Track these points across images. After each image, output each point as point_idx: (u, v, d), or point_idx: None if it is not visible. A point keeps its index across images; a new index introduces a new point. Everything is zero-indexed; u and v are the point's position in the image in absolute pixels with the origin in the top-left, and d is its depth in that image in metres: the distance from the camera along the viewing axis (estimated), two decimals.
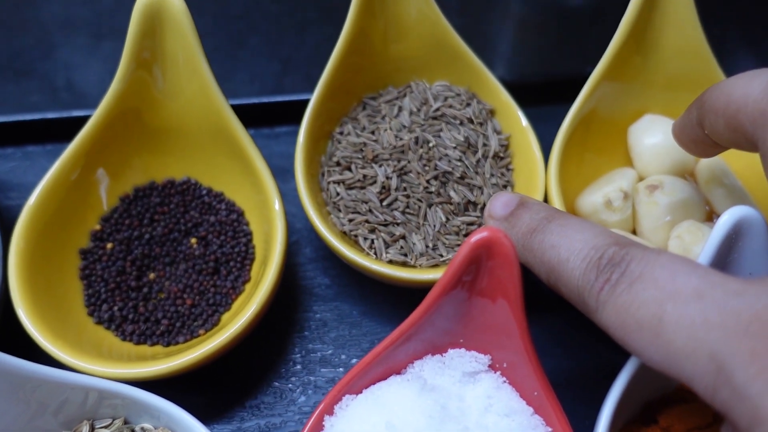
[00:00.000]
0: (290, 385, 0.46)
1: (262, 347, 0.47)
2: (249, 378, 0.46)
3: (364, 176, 0.47)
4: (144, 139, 0.48)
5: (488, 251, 0.34)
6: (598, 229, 0.32)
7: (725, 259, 0.36)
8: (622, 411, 0.40)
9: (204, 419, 0.44)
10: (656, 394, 0.42)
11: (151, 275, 0.46)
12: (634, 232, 0.47)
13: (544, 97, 0.54)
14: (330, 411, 0.38)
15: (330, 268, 0.50)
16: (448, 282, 0.35)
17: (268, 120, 0.58)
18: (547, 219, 0.34)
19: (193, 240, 0.47)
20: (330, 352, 0.47)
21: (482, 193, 0.47)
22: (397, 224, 0.46)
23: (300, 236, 0.52)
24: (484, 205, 0.47)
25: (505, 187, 0.48)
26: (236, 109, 0.56)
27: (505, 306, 0.36)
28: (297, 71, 0.61)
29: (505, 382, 0.39)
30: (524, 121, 0.49)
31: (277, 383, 0.46)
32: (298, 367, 0.47)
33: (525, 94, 0.51)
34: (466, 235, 0.46)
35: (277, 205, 0.44)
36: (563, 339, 0.48)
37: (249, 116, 0.56)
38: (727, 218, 0.35)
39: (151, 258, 0.47)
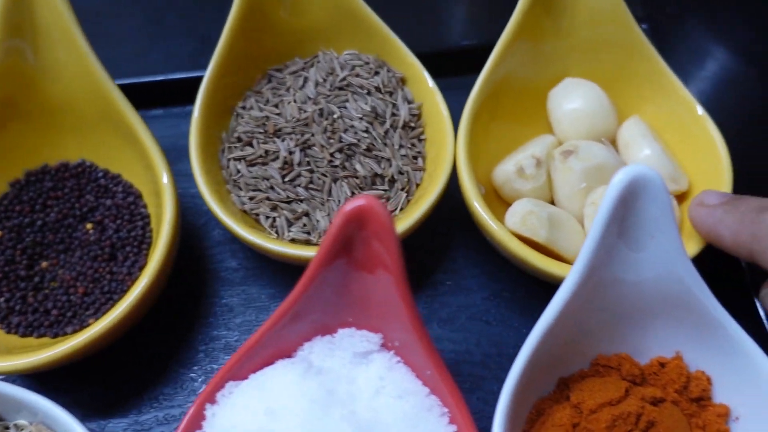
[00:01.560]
0: (192, 374, 0.44)
1: (163, 335, 0.45)
2: (148, 368, 0.44)
3: (266, 152, 0.45)
4: (29, 121, 0.45)
5: (364, 221, 0.32)
6: None
7: (625, 221, 0.34)
8: (530, 388, 0.38)
9: (98, 413, 0.42)
10: (572, 371, 0.40)
11: (44, 264, 0.44)
12: (552, 201, 0.45)
13: (459, 66, 0.51)
14: (212, 399, 0.35)
15: (238, 251, 0.48)
16: (325, 254, 0.33)
17: (182, 98, 0.55)
18: None
19: (89, 225, 0.45)
20: (235, 338, 0.45)
21: (390, 165, 0.45)
22: (300, 201, 0.44)
23: (208, 218, 0.49)
24: (392, 177, 0.44)
25: (415, 158, 0.46)
26: (145, 87, 0.54)
27: (389, 281, 0.34)
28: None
29: (399, 362, 0.37)
30: (436, 90, 0.46)
31: (177, 372, 0.43)
32: (201, 355, 0.44)
33: (438, 64, 0.48)
34: None
35: (165, 179, 0.42)
36: (461, 320, 0.46)
37: (161, 94, 0.54)
38: (621, 178, 0.33)
39: (44, 246, 0.44)
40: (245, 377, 0.36)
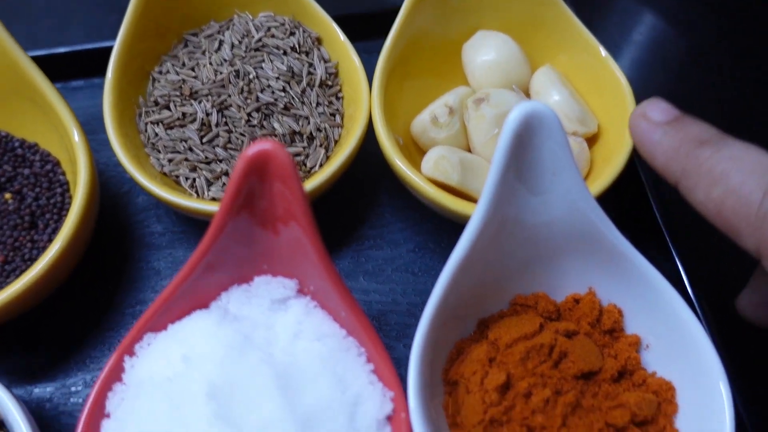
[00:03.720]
0: (119, 336, 0.44)
1: (90, 300, 0.45)
2: (75, 332, 0.44)
3: (183, 114, 0.45)
4: None
5: (266, 166, 0.32)
6: None
7: (524, 158, 0.35)
8: (451, 330, 0.39)
9: (24, 379, 0.42)
10: (491, 312, 0.41)
11: None
12: (468, 149, 0.46)
13: (376, 28, 0.51)
14: (131, 351, 0.36)
15: (163, 216, 0.48)
16: (230, 200, 0.33)
17: (102, 69, 0.54)
18: (719, 136, 0.34)
19: (8, 195, 0.45)
20: None
21: (308, 123, 0.45)
22: (219, 161, 0.44)
23: (131, 186, 0.49)
24: (311, 134, 0.45)
25: (333, 116, 0.46)
26: (64, 58, 0.53)
27: (298, 227, 0.34)
28: None
29: (315, 306, 0.37)
30: (351, 48, 0.47)
31: (105, 335, 0.44)
32: (128, 317, 0.44)
33: (354, 27, 0.49)
34: None
35: (76, 137, 0.42)
36: (387, 272, 0.47)
37: (81, 65, 0.53)
38: (515, 115, 0.33)
39: None
40: (164, 328, 0.36)
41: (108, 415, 0.35)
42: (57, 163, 0.46)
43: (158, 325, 0.36)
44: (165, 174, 0.44)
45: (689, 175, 0.34)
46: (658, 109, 0.37)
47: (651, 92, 0.47)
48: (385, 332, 0.45)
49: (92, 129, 0.48)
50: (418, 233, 0.48)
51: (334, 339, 0.36)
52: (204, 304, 0.37)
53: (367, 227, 0.48)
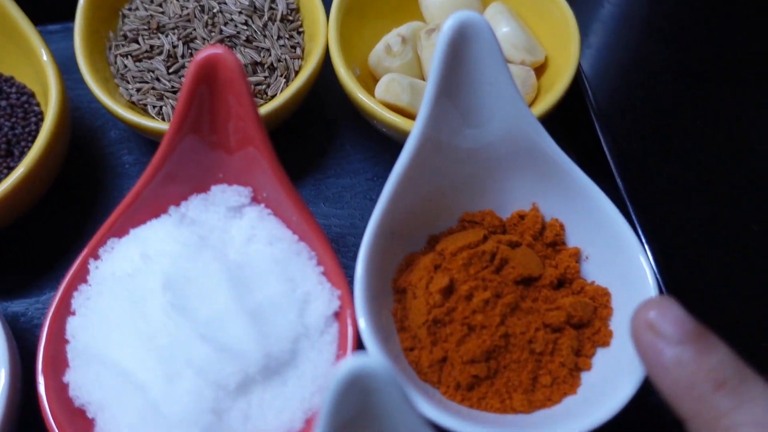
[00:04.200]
0: None
1: (63, 224, 0.47)
2: (49, 252, 0.46)
3: (151, 47, 0.47)
4: None
5: (215, 71, 0.35)
6: None
7: (460, 68, 0.37)
8: (400, 245, 0.42)
9: None
10: (440, 229, 0.44)
11: None
12: (423, 78, 0.48)
13: None
14: (95, 255, 0.38)
15: (134, 148, 0.51)
16: (183, 107, 0.36)
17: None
18: (742, 377, 0.28)
19: None
20: None
21: (270, 54, 0.48)
22: None
23: (104, 120, 0.52)
24: (272, 65, 0.47)
25: (293, 48, 0.49)
26: (39, 1, 0.55)
27: (249, 135, 0.37)
28: None
29: (269, 213, 0.40)
30: None
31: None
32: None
33: None
34: (255, 95, 0.47)
35: (45, 57, 0.44)
36: (346, 198, 0.50)
37: (60, 9, 0.55)
38: (450, 23, 0.36)
39: None
40: (126, 233, 0.39)
41: (74, 312, 0.37)
42: (32, 95, 0.48)
43: (121, 231, 0.39)
44: (133, 103, 0.47)
45: (703, 425, 0.28)
46: (670, 319, 0.30)
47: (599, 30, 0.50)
48: (343, 253, 0.47)
49: (67, 69, 0.50)
50: (376, 164, 0.51)
51: (286, 243, 0.39)
52: (165, 212, 0.40)
53: (329, 158, 0.51)
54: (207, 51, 0.34)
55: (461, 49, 0.36)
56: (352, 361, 0.25)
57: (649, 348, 0.30)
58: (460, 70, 0.37)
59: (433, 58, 0.36)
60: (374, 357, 0.26)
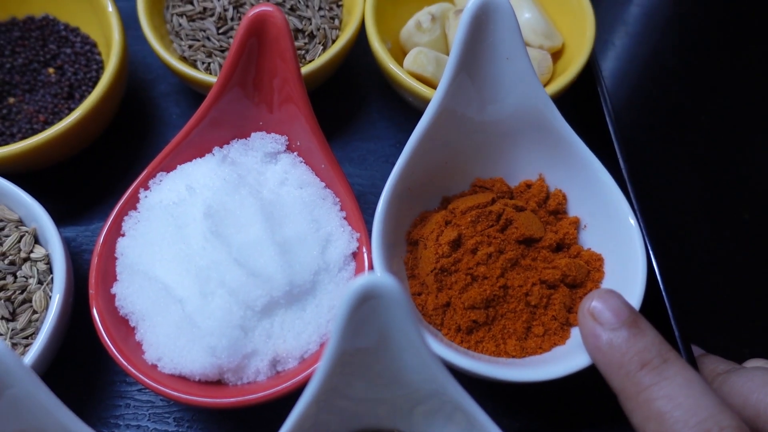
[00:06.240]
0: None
1: (114, 162, 0.52)
2: (101, 186, 0.51)
3: (204, 9, 0.52)
4: None
5: (264, 26, 0.39)
6: (714, 398, 0.32)
7: (480, 43, 0.41)
8: (416, 203, 0.46)
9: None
10: (454, 192, 0.48)
11: (11, 100, 0.51)
12: (447, 54, 0.52)
13: None
14: (145, 186, 0.43)
15: (181, 100, 0.56)
16: (233, 59, 0.40)
17: None
18: (663, 358, 0.33)
19: (51, 70, 0.52)
20: None
21: (311, 23, 0.52)
22: None
23: (157, 74, 0.57)
24: (311, 33, 0.52)
25: (332, 19, 0.53)
26: None
27: (289, 88, 0.41)
28: None
29: (302, 161, 0.44)
30: None
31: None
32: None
33: None
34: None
35: (110, 8, 0.49)
36: (369, 161, 0.54)
37: None
38: (474, 2, 0.40)
39: (12, 86, 0.52)
40: (174, 169, 0.44)
41: (123, 234, 0.42)
42: (95, 45, 0.53)
43: (170, 166, 0.44)
44: (185, 58, 0.51)
45: (627, 397, 0.33)
46: (608, 309, 0.35)
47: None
48: (363, 210, 0.52)
49: (128, 26, 0.55)
50: (400, 131, 0.55)
51: (314, 188, 0.43)
52: (209, 152, 0.45)
53: (356, 123, 0.55)
54: (259, 8, 0.39)
55: (483, 24, 0.40)
56: (365, 278, 0.29)
57: (589, 333, 0.35)
58: (480, 45, 0.41)
59: (458, 27, 0.40)
60: (384, 277, 0.30)
